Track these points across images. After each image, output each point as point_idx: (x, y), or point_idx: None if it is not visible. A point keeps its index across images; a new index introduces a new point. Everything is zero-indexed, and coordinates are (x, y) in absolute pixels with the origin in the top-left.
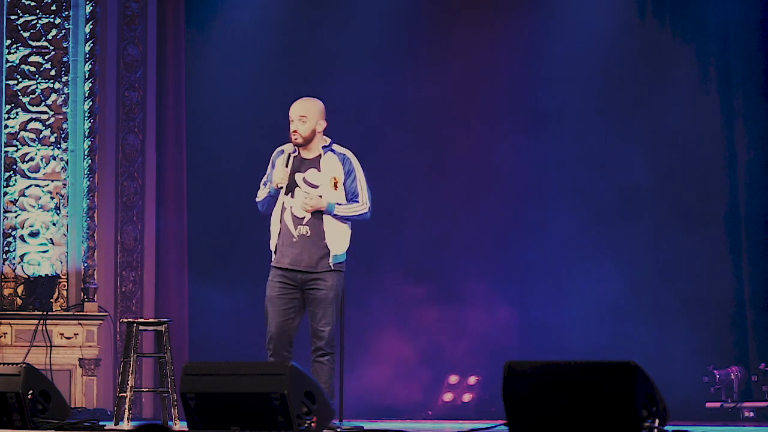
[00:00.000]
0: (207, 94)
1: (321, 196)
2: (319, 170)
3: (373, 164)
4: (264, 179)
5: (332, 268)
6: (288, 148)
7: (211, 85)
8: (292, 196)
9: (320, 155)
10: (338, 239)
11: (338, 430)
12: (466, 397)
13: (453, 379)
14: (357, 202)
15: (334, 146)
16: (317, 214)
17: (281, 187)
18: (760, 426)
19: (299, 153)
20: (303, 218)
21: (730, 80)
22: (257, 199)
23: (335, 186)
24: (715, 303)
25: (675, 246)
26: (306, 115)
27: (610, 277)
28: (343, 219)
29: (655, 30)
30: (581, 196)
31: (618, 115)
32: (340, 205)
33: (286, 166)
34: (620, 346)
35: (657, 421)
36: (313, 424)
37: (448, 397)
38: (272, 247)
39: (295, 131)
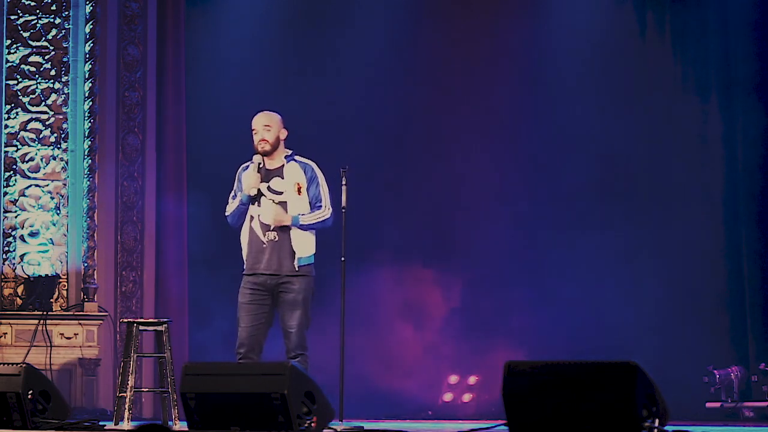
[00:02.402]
0: (207, 94)
1: (286, 211)
2: (283, 178)
3: (364, 162)
4: (232, 193)
5: (298, 270)
6: (255, 159)
7: (211, 85)
8: (258, 205)
9: (283, 165)
10: (303, 243)
11: (338, 430)
12: (466, 397)
13: (453, 379)
14: (320, 207)
15: (296, 156)
16: None
17: (253, 195)
18: (760, 426)
19: (264, 164)
20: (270, 225)
21: (730, 76)
22: (227, 213)
23: (299, 191)
24: (714, 303)
25: (675, 247)
26: (270, 124)
27: (610, 278)
28: (308, 228)
29: (654, 29)
30: (581, 197)
31: (619, 120)
32: (303, 215)
33: (258, 172)
34: (620, 346)
35: (657, 421)
36: (313, 424)
37: (448, 397)
38: (244, 257)
39: (263, 139)
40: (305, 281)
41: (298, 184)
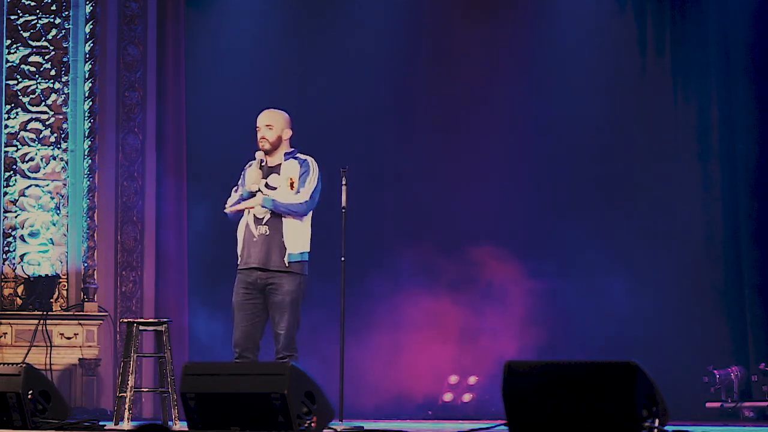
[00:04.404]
0: (207, 94)
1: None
2: (279, 174)
3: (364, 162)
4: (235, 188)
5: (288, 267)
6: (258, 156)
7: (211, 85)
8: None
9: (281, 162)
10: (295, 239)
11: (338, 430)
12: (466, 397)
13: (453, 379)
14: (299, 193)
15: (298, 154)
16: (276, 214)
17: (254, 192)
18: (760, 426)
19: (266, 161)
20: (263, 218)
21: (730, 82)
22: (227, 206)
23: (291, 186)
24: (714, 303)
25: (675, 247)
26: (272, 124)
27: (610, 277)
28: (283, 211)
29: (654, 38)
30: (581, 198)
31: (619, 124)
32: (276, 200)
33: (260, 168)
34: (620, 346)
35: (657, 421)
36: (313, 424)
37: (448, 397)
38: (238, 252)
39: (263, 137)
40: (295, 281)
41: (291, 178)
